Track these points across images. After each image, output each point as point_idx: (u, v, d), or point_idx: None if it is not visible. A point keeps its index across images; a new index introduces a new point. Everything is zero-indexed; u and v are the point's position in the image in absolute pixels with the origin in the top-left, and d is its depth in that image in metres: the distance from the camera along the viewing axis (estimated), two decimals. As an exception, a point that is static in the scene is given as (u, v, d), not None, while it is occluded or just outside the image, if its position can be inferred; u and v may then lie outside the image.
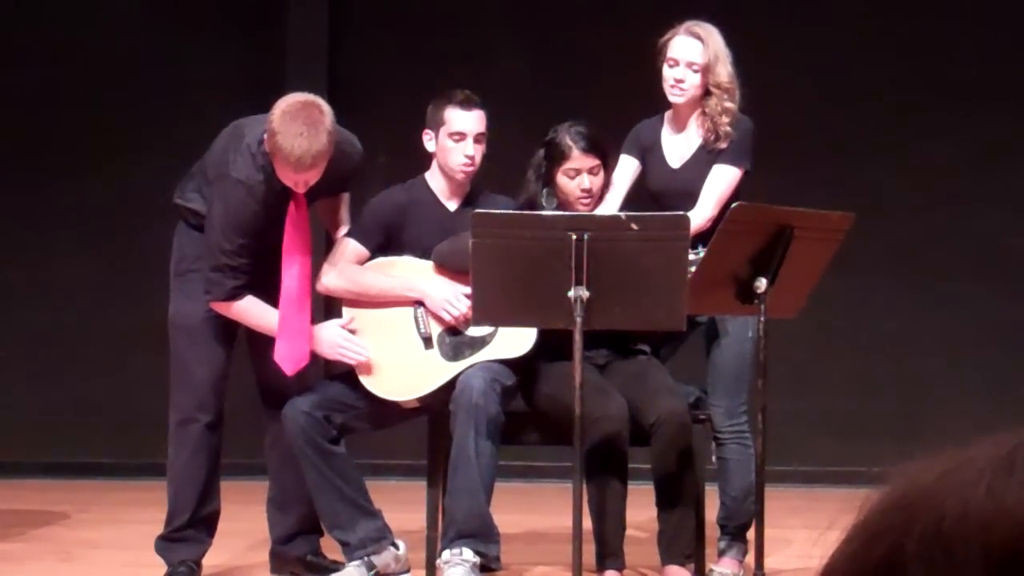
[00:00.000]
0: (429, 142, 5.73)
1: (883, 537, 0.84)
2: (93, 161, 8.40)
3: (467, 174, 5.69)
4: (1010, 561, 0.81)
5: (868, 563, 0.84)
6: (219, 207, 5.46)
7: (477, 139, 5.65)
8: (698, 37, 5.65)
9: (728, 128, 5.65)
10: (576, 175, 5.63)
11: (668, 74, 5.68)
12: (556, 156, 5.64)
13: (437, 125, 5.68)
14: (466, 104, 5.66)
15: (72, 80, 8.48)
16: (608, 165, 5.70)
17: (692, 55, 5.65)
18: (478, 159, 5.67)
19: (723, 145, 5.67)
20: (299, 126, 5.27)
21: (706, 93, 5.67)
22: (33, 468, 8.29)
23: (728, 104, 5.65)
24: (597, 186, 5.66)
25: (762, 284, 5.23)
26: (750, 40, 7.53)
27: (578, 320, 5.04)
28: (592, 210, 5.64)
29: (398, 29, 8.57)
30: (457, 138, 5.65)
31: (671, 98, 5.72)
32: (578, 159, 5.62)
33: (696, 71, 5.65)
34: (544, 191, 5.66)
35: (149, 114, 8.41)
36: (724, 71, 5.64)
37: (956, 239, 8.30)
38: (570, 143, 5.62)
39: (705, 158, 5.71)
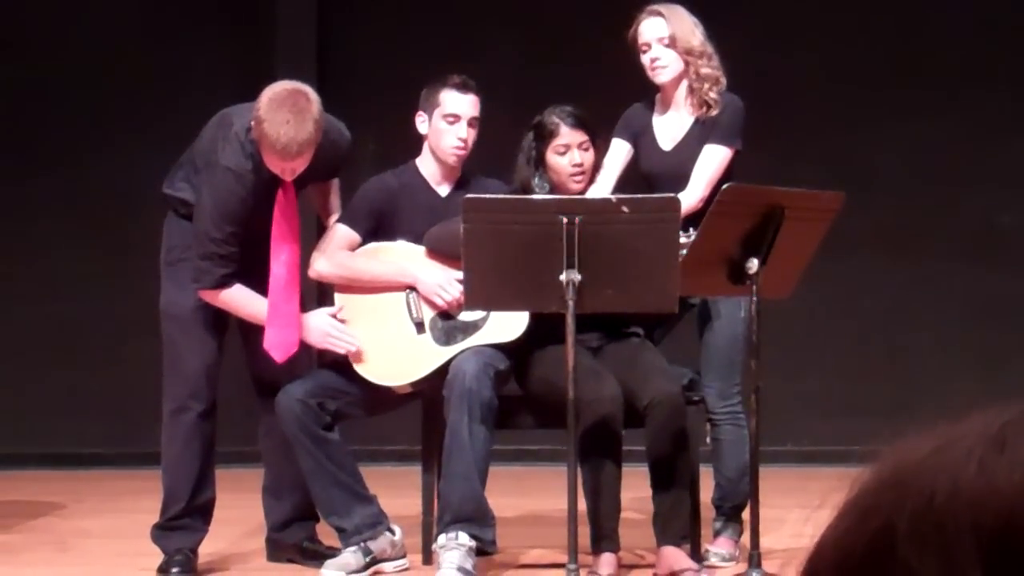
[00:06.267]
0: (422, 124, 5.72)
1: (874, 515, 0.84)
2: (84, 152, 8.39)
3: (459, 157, 5.68)
4: (1001, 538, 0.81)
5: (859, 541, 0.84)
6: (208, 195, 5.45)
7: (471, 123, 5.65)
8: (658, 14, 5.72)
9: (713, 94, 5.67)
10: (566, 151, 5.63)
11: (645, 60, 5.73)
12: (545, 135, 5.65)
13: (432, 107, 5.67)
14: (462, 87, 5.66)
15: (63, 72, 8.46)
16: (597, 144, 5.70)
17: (658, 31, 5.70)
18: (470, 143, 5.66)
19: (715, 113, 5.67)
20: (285, 114, 5.26)
21: (685, 65, 5.70)
22: (28, 459, 8.29)
23: (706, 70, 5.67)
24: (588, 162, 5.65)
25: (754, 265, 5.23)
26: (742, 20, 7.54)
27: (570, 303, 5.05)
28: (584, 188, 5.65)
29: (387, 16, 8.56)
30: (451, 120, 5.64)
31: (656, 79, 5.75)
32: (567, 135, 5.63)
33: (667, 45, 5.69)
34: (536, 175, 5.66)
35: (139, 105, 8.40)
36: (694, 38, 5.68)
37: (947, 217, 8.30)
38: (557, 120, 5.64)
39: (698, 135, 5.71)
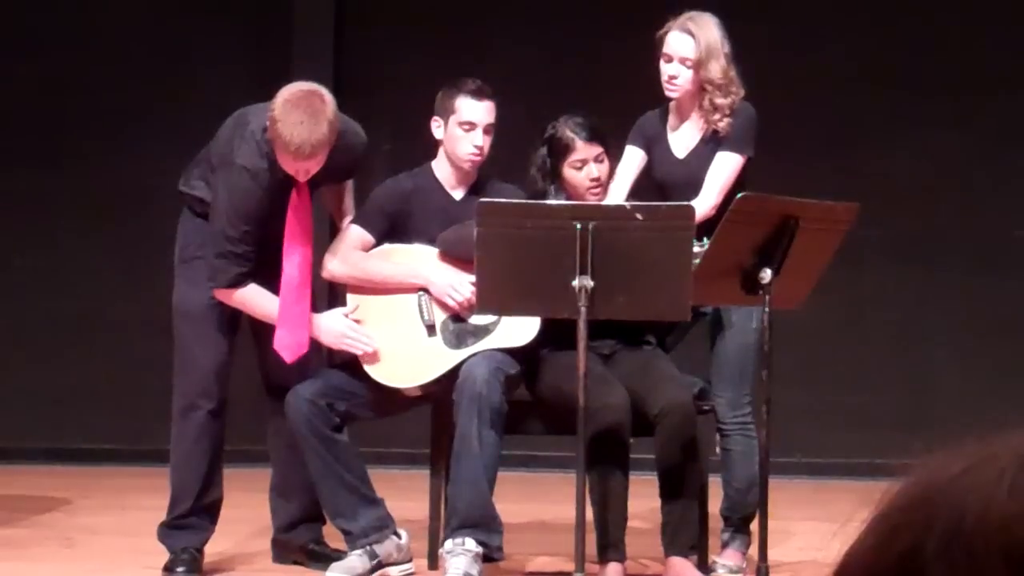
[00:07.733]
0: (437, 129, 5.70)
1: (903, 533, 0.83)
2: (99, 149, 8.40)
3: (474, 164, 5.67)
4: (1030, 563, 0.79)
5: (887, 558, 0.83)
6: (223, 194, 5.46)
7: (486, 130, 5.63)
8: (690, 32, 5.63)
9: (723, 124, 5.63)
10: (583, 166, 5.62)
11: (663, 69, 5.68)
12: (560, 150, 5.63)
13: (447, 113, 5.65)
14: (478, 94, 5.64)
15: (78, 69, 8.47)
16: (610, 153, 5.69)
17: (684, 51, 5.63)
18: (486, 150, 5.64)
19: (723, 135, 5.65)
20: (300, 115, 5.26)
21: (701, 89, 5.65)
22: (35, 454, 8.29)
23: (719, 100, 5.61)
24: (604, 174, 5.66)
25: (767, 275, 5.22)
26: (756, 29, 7.53)
27: (582, 309, 5.04)
28: (601, 199, 5.63)
29: (403, 18, 8.56)
30: (467, 127, 5.62)
31: (668, 94, 5.71)
32: (583, 149, 5.62)
33: (688, 67, 5.62)
34: (552, 187, 5.65)
35: (155, 103, 8.40)
36: (716, 66, 5.60)
37: (963, 229, 8.28)
38: (572, 135, 5.62)
39: (711, 144, 5.69)
